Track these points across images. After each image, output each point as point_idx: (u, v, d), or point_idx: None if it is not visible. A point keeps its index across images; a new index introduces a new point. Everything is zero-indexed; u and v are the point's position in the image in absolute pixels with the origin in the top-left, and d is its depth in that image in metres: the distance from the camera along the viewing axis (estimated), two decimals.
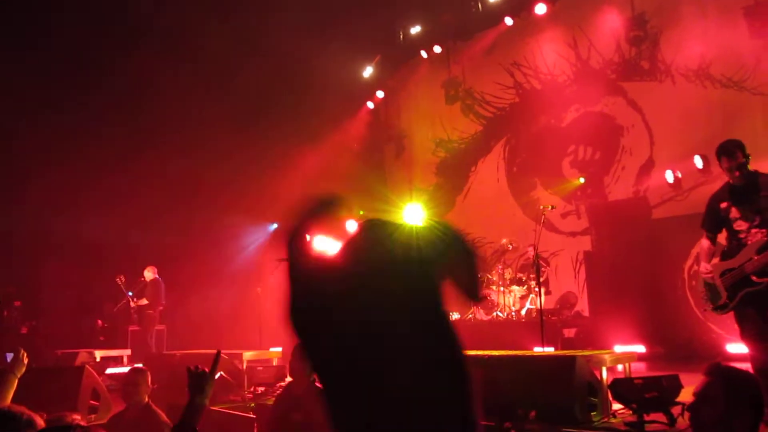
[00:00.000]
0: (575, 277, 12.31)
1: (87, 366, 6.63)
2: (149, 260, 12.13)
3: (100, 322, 12.66)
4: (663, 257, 9.83)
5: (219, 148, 12.60)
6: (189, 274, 11.42)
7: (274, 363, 8.02)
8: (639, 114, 11.94)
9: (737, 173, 4.66)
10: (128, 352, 10.23)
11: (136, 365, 6.53)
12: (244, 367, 7.52)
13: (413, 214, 14.26)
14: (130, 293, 11.44)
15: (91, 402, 6.21)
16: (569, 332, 11.08)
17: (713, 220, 4.92)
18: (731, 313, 4.74)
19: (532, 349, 8.59)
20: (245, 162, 13.04)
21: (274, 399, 4.40)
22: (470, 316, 11.73)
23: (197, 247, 12.87)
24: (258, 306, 9.79)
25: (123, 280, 11.50)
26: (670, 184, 10.54)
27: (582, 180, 12.30)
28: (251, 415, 5.48)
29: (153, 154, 11.84)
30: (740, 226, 4.69)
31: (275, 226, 15.95)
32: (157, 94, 11.86)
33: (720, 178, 10.46)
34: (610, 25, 12.01)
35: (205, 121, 12.46)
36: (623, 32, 11.82)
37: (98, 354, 9.44)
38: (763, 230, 4.57)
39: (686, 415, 4.58)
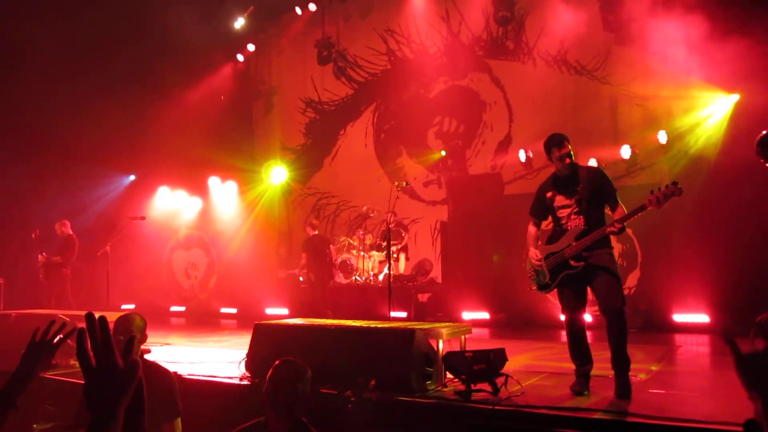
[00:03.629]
0: (433, 244, 12.89)
1: None
2: None
3: None
4: (510, 232, 10.49)
5: (67, 93, 11.80)
6: (35, 225, 10.71)
7: None
8: (501, 91, 12.56)
9: (567, 160, 5.08)
10: None
11: None
12: None
13: (277, 175, 14.22)
14: None
15: None
16: (423, 297, 11.68)
17: (539, 209, 5.36)
18: None
19: (386, 314, 8.96)
20: (98, 109, 12.29)
21: None
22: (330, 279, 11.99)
23: (44, 198, 12.10)
24: (106, 264, 9.40)
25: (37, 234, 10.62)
26: (522, 163, 11.24)
27: (443, 153, 12.81)
28: None
29: None
30: (562, 213, 5.15)
31: (131, 177, 15.30)
32: None
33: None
34: (481, 2, 12.43)
35: (53, 66, 11.57)
36: (492, 11, 12.28)
37: None
38: (581, 217, 5.02)
39: (509, 382, 5.08)
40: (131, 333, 3.87)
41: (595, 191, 5.03)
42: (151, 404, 3.76)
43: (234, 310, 13.66)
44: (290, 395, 3.19)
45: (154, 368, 4.00)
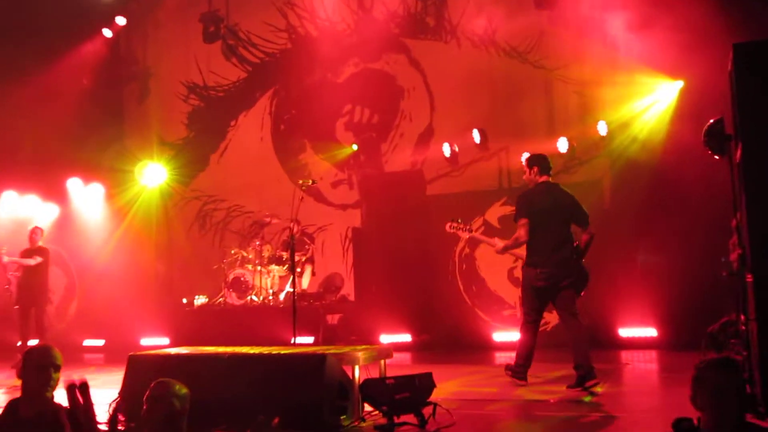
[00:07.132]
0: (344, 255, 12.86)
1: None
2: None
3: None
4: (435, 238, 10.63)
5: None
6: None
7: None
8: (421, 76, 12.71)
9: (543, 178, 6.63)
10: None
11: None
12: None
13: (153, 175, 13.80)
14: None
15: None
16: (333, 319, 11.64)
17: None
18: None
19: (289, 340, 8.82)
20: None
21: None
22: (220, 300, 11.74)
23: None
24: None
25: None
26: (446, 158, 11.41)
27: (355, 147, 12.80)
28: None
29: None
30: None
31: None
32: None
33: (496, 156, 11.65)
34: None
35: None
36: None
37: None
38: None
39: (437, 412, 5.10)
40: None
41: None
42: None
43: (101, 342, 13.14)
44: (168, 414, 3.59)
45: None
